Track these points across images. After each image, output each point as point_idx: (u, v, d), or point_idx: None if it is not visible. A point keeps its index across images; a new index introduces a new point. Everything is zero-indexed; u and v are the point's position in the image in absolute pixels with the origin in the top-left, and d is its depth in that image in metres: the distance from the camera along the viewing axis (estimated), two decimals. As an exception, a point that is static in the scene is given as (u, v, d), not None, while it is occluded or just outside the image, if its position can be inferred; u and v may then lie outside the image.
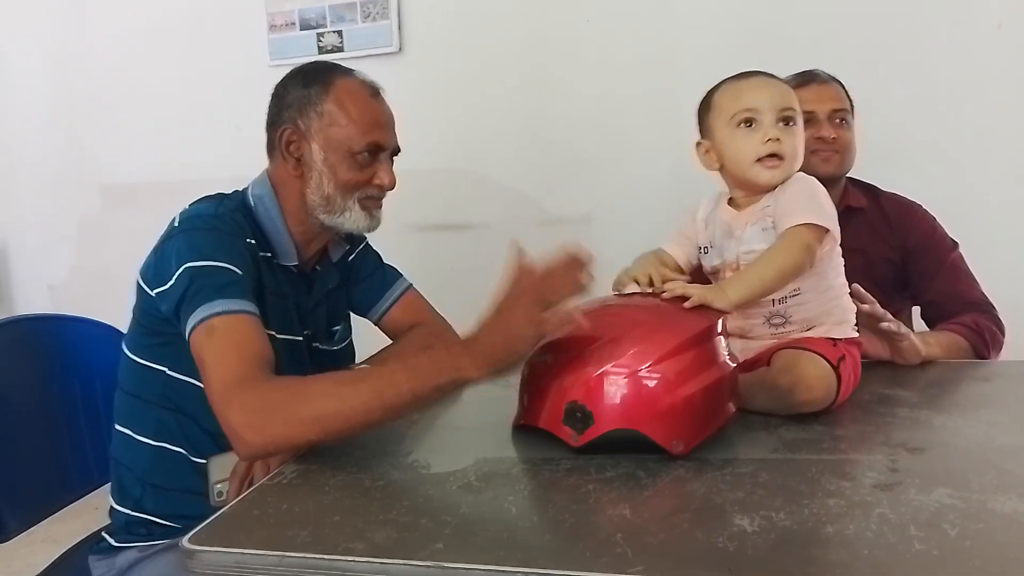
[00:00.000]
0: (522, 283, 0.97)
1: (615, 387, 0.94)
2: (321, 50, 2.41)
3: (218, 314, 1.06)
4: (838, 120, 1.56)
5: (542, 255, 0.97)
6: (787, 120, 1.11)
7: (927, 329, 1.55)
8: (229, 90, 2.55)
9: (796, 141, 1.12)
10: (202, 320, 1.06)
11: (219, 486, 1.13)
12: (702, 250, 1.21)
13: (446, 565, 0.72)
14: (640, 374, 0.94)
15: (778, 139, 1.10)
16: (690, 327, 0.97)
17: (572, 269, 0.96)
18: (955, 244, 1.61)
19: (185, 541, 0.80)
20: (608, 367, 0.95)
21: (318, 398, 0.98)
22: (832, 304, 1.14)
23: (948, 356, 1.38)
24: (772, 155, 1.10)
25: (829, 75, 1.61)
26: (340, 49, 2.40)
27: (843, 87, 1.61)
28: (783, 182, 1.12)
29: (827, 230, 1.07)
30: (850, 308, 1.17)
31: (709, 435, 0.97)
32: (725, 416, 1.01)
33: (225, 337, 1.05)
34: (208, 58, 2.58)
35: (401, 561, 0.73)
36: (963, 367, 1.36)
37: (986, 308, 1.53)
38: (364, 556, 0.74)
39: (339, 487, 0.91)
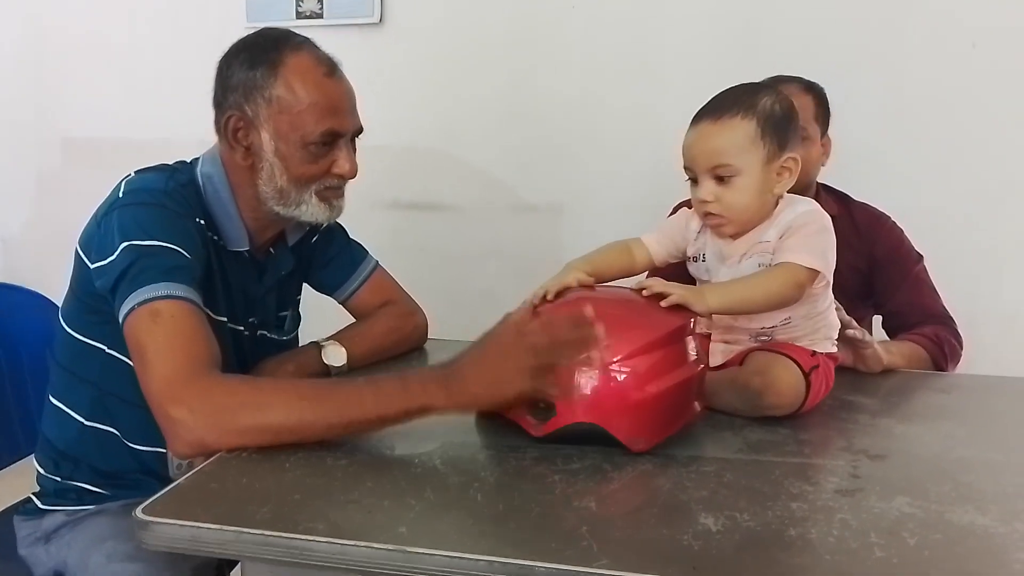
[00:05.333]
0: (522, 330, 0.94)
1: (579, 380, 0.94)
2: (300, 15, 2.35)
3: (163, 297, 0.99)
4: None
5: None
6: None
7: (887, 338, 1.57)
8: (202, 50, 2.45)
9: None
10: (145, 302, 0.99)
11: (179, 459, 1.10)
12: (691, 259, 1.19)
13: (409, 550, 0.71)
14: (605, 369, 0.93)
15: None
16: (661, 326, 0.97)
17: (579, 331, 0.94)
18: (920, 257, 1.64)
19: (139, 512, 0.78)
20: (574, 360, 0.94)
21: (274, 409, 0.93)
22: (819, 324, 1.14)
23: (909, 366, 1.40)
24: None
25: (799, 83, 1.57)
26: (319, 16, 2.34)
27: (815, 95, 1.57)
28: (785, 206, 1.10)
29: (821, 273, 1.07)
30: (835, 325, 1.17)
31: (671, 434, 0.97)
32: (690, 416, 1.01)
33: (171, 324, 0.98)
34: (182, 15, 2.50)
35: (363, 543, 0.72)
36: (923, 377, 1.39)
37: (947, 321, 1.56)
38: (325, 537, 0.73)
39: (301, 464, 0.89)
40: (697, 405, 1.02)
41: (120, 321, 1.01)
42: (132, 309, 1.00)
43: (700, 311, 1.01)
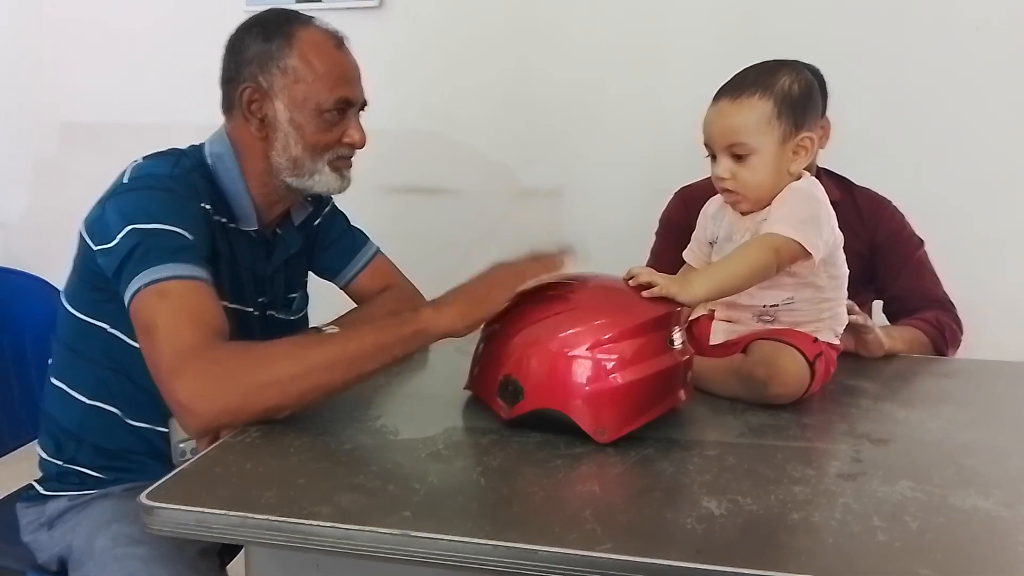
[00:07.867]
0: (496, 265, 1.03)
1: (545, 366, 0.94)
2: (299, -1, 2.34)
3: (169, 278, 1.00)
4: None
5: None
6: None
7: (888, 323, 1.57)
8: (201, 33, 2.45)
9: None
10: (152, 282, 0.99)
11: (182, 445, 1.10)
12: (712, 245, 1.20)
13: (413, 534, 0.71)
14: (571, 357, 0.93)
15: None
16: (633, 316, 0.95)
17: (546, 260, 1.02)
18: (921, 242, 1.64)
19: (143, 497, 0.77)
20: (542, 345, 0.94)
21: (277, 360, 0.94)
22: (825, 314, 1.14)
23: (910, 351, 1.41)
24: None
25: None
26: (319, -1, 2.33)
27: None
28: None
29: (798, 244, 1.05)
30: (842, 320, 1.17)
31: (640, 425, 0.94)
32: (666, 407, 0.98)
33: (178, 303, 0.98)
34: (181, -2, 2.49)
35: (368, 528, 0.72)
36: (924, 362, 1.39)
37: (947, 306, 1.56)
38: (330, 521, 0.73)
39: (304, 449, 0.89)
40: (682, 394, 1.00)
41: (127, 302, 1.01)
42: (139, 290, 1.00)
43: (686, 301, 0.99)
